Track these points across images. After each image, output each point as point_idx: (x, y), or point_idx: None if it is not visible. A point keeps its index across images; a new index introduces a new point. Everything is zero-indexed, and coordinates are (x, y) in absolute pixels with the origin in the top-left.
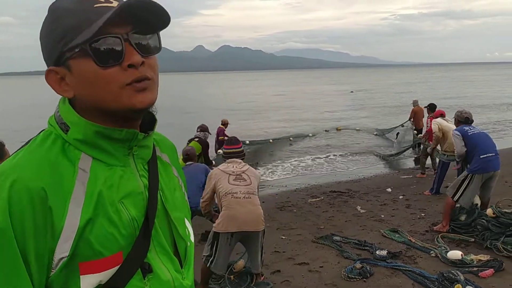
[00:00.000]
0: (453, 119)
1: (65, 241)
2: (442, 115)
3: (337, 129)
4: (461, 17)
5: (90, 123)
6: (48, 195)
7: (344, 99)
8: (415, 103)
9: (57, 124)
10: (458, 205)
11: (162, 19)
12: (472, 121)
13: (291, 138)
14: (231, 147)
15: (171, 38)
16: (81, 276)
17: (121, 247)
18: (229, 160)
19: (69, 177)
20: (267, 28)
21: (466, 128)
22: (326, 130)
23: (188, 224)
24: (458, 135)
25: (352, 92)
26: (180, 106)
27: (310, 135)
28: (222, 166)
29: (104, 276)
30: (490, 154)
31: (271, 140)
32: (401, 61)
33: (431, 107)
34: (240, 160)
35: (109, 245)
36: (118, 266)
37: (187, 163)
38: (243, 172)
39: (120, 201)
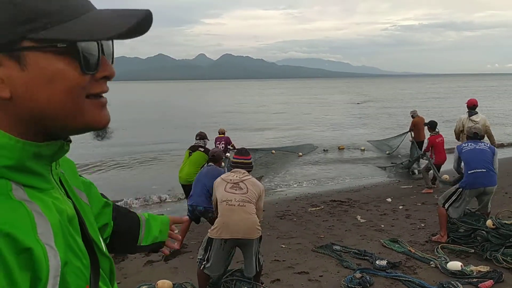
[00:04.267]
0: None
1: (52, 285)
2: (474, 105)
3: (339, 148)
4: (462, 29)
5: (29, 144)
6: (18, 237)
7: (350, 111)
8: (414, 113)
9: None
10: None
11: (144, 32)
12: (482, 136)
13: (300, 154)
14: (241, 158)
15: (173, 47)
16: None
17: (87, 281)
18: (234, 169)
19: (19, 211)
20: (268, 37)
21: (465, 145)
22: (325, 150)
23: (100, 237)
24: (456, 152)
25: (358, 103)
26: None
27: (300, 154)
28: (224, 175)
29: None
30: (479, 170)
31: (273, 151)
32: (402, 71)
33: (432, 125)
34: (244, 171)
35: (80, 281)
36: None
37: (209, 164)
38: (241, 181)
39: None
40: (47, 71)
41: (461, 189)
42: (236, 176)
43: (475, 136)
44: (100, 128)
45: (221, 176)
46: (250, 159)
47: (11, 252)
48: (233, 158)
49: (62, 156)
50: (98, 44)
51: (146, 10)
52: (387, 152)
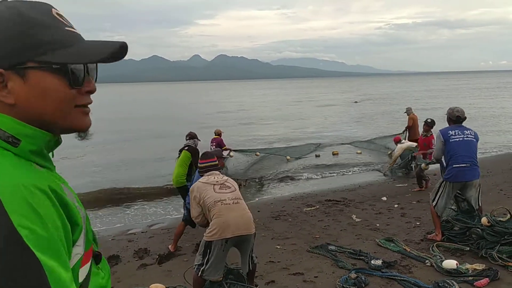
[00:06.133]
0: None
1: (84, 233)
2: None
3: (333, 154)
4: (455, 26)
5: (45, 133)
6: (57, 191)
7: (347, 110)
8: (409, 110)
9: None
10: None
11: (121, 58)
12: (464, 118)
13: (288, 157)
14: (207, 161)
15: (168, 48)
16: (80, 269)
17: (92, 238)
18: (208, 173)
19: (51, 177)
20: (263, 37)
21: (452, 132)
22: (317, 156)
23: None
24: (441, 138)
25: (356, 102)
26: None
27: (288, 158)
28: (202, 179)
29: (88, 265)
30: (463, 165)
31: (257, 153)
32: (396, 70)
33: (431, 123)
34: (218, 172)
35: (91, 235)
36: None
37: None
38: (225, 181)
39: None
40: (43, 85)
41: (444, 182)
42: (217, 178)
43: (458, 119)
44: (83, 130)
45: (200, 180)
46: (216, 160)
47: (58, 203)
48: (200, 163)
49: (58, 146)
50: (84, 66)
51: (122, 42)
52: (389, 152)
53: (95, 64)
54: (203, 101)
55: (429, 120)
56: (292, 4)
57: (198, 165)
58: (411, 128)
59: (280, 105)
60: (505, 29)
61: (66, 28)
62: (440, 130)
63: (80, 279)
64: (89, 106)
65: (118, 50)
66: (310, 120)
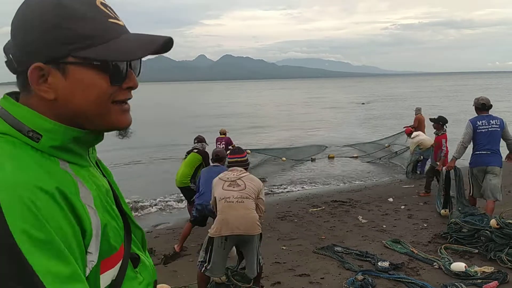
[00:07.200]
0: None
1: (95, 241)
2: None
3: (329, 157)
4: (462, 27)
5: (70, 129)
6: (66, 193)
7: (355, 112)
8: (418, 110)
9: (18, 132)
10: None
11: (166, 51)
12: (490, 106)
13: (283, 159)
14: (235, 156)
15: (173, 48)
16: (101, 276)
17: (122, 240)
18: (231, 168)
19: (67, 177)
20: (268, 38)
21: (479, 122)
22: (312, 159)
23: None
24: (470, 126)
25: (363, 103)
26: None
27: (284, 159)
28: (221, 174)
29: (115, 270)
30: (484, 152)
31: (283, 158)
32: (402, 70)
33: (443, 122)
34: (241, 169)
35: (117, 238)
36: (122, 258)
37: (214, 164)
38: (238, 179)
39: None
40: (83, 81)
41: (470, 169)
42: (233, 174)
43: (483, 107)
44: (122, 128)
45: (219, 176)
46: (245, 156)
47: (65, 205)
48: (228, 158)
49: (98, 143)
50: (126, 62)
51: (168, 37)
52: (386, 145)
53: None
54: (212, 101)
55: (435, 118)
56: (298, 4)
57: (227, 159)
58: (416, 129)
59: (286, 107)
60: None
61: (110, 20)
62: (470, 120)
63: (103, 286)
64: (128, 102)
65: (164, 46)
66: (315, 122)
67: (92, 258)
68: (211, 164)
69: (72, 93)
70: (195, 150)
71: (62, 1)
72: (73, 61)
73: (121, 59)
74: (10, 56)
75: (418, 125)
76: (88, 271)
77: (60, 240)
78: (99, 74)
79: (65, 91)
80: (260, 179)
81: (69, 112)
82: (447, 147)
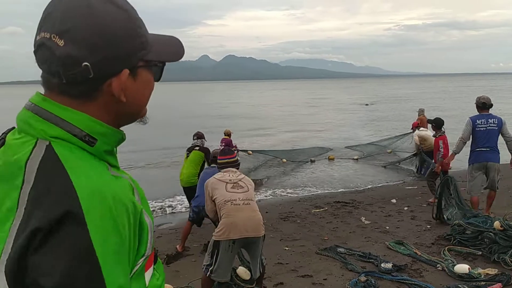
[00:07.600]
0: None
1: (150, 241)
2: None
3: (329, 158)
4: (465, 28)
5: (117, 131)
6: (135, 202)
7: (358, 113)
8: (421, 111)
9: (74, 137)
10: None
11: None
12: (491, 105)
13: (284, 160)
14: (227, 157)
15: None
16: (145, 273)
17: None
18: (224, 169)
19: (125, 184)
20: (271, 38)
21: (479, 121)
22: (311, 160)
23: None
24: (470, 124)
25: (367, 104)
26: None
27: (284, 160)
28: (217, 175)
29: (152, 268)
30: (483, 149)
31: (284, 160)
32: (405, 71)
33: (438, 124)
34: (235, 169)
35: (153, 239)
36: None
37: (212, 165)
38: (239, 180)
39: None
40: (145, 81)
41: (470, 166)
42: (232, 176)
43: (484, 106)
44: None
45: (215, 176)
46: (235, 157)
47: (136, 215)
48: (219, 159)
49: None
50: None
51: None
52: (388, 150)
53: None
54: (214, 102)
55: (431, 119)
56: (300, 5)
57: (217, 161)
58: (418, 128)
59: (289, 107)
60: None
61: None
62: (470, 117)
63: (147, 282)
64: None
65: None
66: (318, 123)
67: (143, 257)
68: (209, 165)
69: (138, 93)
70: (196, 148)
71: (131, 12)
72: (142, 65)
73: (171, 59)
74: (87, 64)
75: (421, 126)
76: (139, 271)
77: (127, 252)
78: (151, 73)
79: (132, 92)
80: (259, 180)
81: (128, 112)
82: (444, 149)
